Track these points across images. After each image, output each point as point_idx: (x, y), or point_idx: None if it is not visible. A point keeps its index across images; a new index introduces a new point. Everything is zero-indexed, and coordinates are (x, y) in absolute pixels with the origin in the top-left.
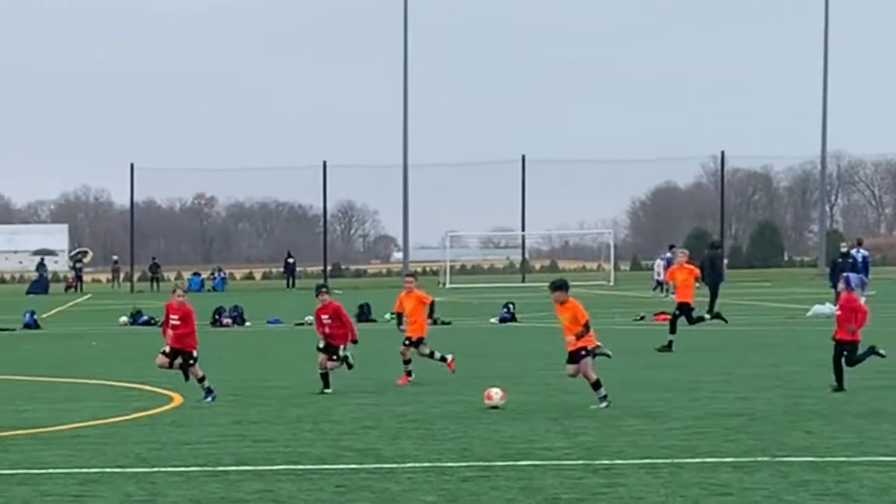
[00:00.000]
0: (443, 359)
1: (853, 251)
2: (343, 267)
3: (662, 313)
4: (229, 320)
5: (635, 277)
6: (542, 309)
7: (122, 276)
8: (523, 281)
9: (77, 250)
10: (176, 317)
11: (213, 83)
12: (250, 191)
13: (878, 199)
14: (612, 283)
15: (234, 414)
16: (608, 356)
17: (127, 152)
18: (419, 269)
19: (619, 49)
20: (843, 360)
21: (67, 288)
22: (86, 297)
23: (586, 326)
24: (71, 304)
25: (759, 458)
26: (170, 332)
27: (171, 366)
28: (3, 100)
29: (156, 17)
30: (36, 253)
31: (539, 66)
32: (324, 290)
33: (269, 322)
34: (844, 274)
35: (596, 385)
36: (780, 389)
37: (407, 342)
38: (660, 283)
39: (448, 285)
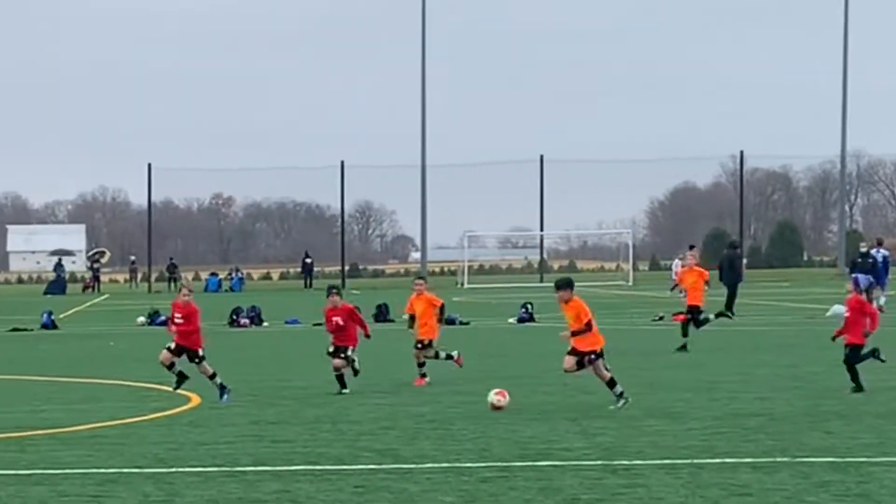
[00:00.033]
0: (448, 357)
1: (873, 251)
2: (361, 267)
3: (681, 313)
4: (247, 320)
5: (654, 277)
6: (560, 309)
7: (139, 276)
8: (541, 281)
9: (94, 250)
10: (180, 315)
11: (231, 83)
12: (268, 191)
13: None
14: (630, 284)
15: (251, 414)
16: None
17: (144, 152)
18: (437, 270)
19: (637, 48)
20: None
21: (85, 288)
22: (103, 297)
23: (587, 325)
24: (88, 304)
25: (779, 459)
26: (174, 328)
27: (171, 367)
28: (21, 100)
29: (173, 16)
30: (53, 253)
31: (558, 66)
32: (334, 291)
33: (286, 322)
34: (853, 275)
35: (611, 383)
36: (799, 390)
37: (419, 345)
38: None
39: (466, 285)
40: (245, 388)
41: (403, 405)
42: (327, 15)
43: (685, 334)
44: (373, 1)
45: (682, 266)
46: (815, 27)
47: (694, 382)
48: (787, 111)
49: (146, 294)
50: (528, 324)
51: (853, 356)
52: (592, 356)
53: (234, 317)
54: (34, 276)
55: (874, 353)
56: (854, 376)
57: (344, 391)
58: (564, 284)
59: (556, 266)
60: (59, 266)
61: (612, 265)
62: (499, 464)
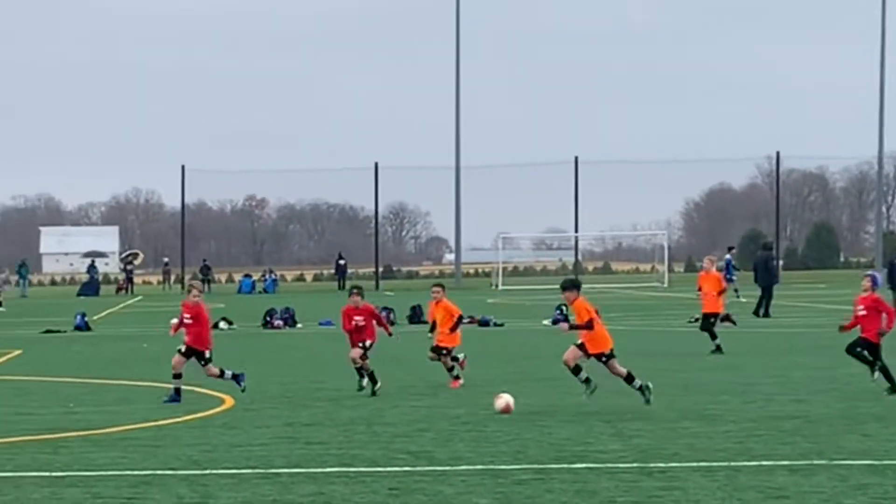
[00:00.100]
0: (454, 359)
1: None
2: (394, 268)
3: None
4: (280, 322)
5: (689, 279)
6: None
7: (172, 277)
8: None
9: (128, 252)
10: (188, 315)
11: (266, 85)
12: (301, 192)
13: None
14: (665, 285)
15: (285, 416)
16: (645, 398)
17: (178, 154)
18: (471, 271)
19: (673, 49)
20: (868, 353)
21: (118, 290)
22: (136, 298)
23: (588, 324)
24: (122, 305)
25: (816, 462)
26: (177, 329)
27: (179, 376)
28: (54, 102)
29: (207, 19)
30: (87, 255)
31: (592, 67)
32: (355, 291)
33: (320, 324)
34: (868, 272)
35: (629, 378)
36: (836, 392)
37: (444, 352)
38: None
39: (500, 287)
40: (279, 390)
41: (438, 407)
42: (361, 15)
43: (713, 336)
44: (407, 1)
45: (731, 266)
46: (852, 28)
47: (730, 384)
48: (824, 112)
49: (179, 296)
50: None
51: (853, 348)
52: (604, 358)
53: (268, 318)
54: (67, 277)
55: (874, 366)
56: (888, 376)
57: (363, 384)
58: (569, 286)
59: (590, 268)
60: (92, 268)
61: (648, 267)
62: (534, 466)
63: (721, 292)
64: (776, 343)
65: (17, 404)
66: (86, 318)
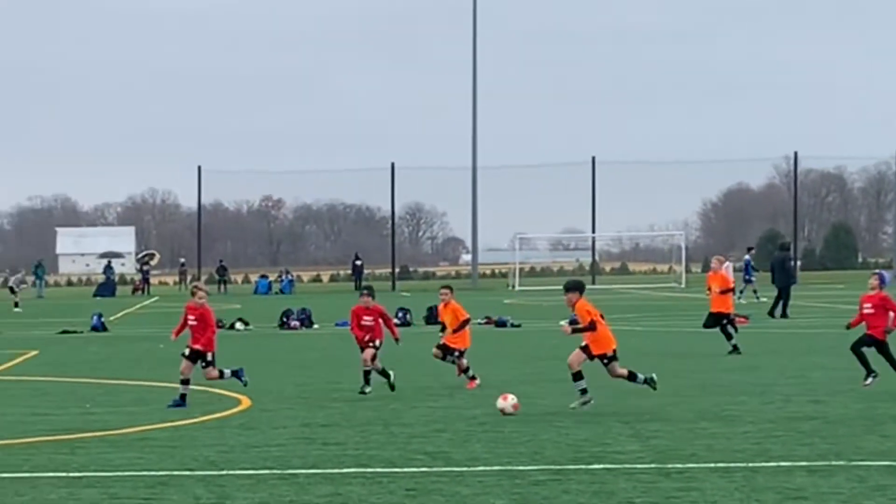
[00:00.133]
0: (453, 362)
1: None
2: (411, 269)
3: (737, 316)
4: (297, 323)
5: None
6: (613, 312)
7: (189, 278)
8: (593, 283)
9: (144, 253)
10: (193, 317)
11: (283, 85)
12: (318, 193)
13: None
14: (683, 286)
15: (302, 417)
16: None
17: (194, 154)
18: (488, 272)
19: (689, 50)
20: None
21: (134, 290)
22: (153, 299)
23: (591, 325)
24: (138, 306)
25: (835, 463)
26: (187, 331)
27: (187, 381)
28: (70, 102)
29: (224, 18)
30: (103, 255)
31: (609, 67)
32: (366, 292)
33: (337, 324)
34: (877, 271)
35: (631, 377)
36: (854, 393)
37: (456, 354)
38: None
39: (517, 288)
40: (295, 391)
41: (455, 408)
42: (379, 15)
43: (729, 336)
44: (425, 2)
45: (750, 266)
46: (869, 27)
47: (748, 385)
48: (842, 112)
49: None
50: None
51: (858, 346)
52: (606, 360)
53: (285, 319)
54: (84, 278)
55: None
56: (889, 361)
57: (367, 391)
58: (571, 287)
59: (607, 268)
60: (108, 268)
61: (665, 267)
62: (552, 467)
63: (726, 291)
64: (794, 344)
65: (34, 405)
66: (102, 319)
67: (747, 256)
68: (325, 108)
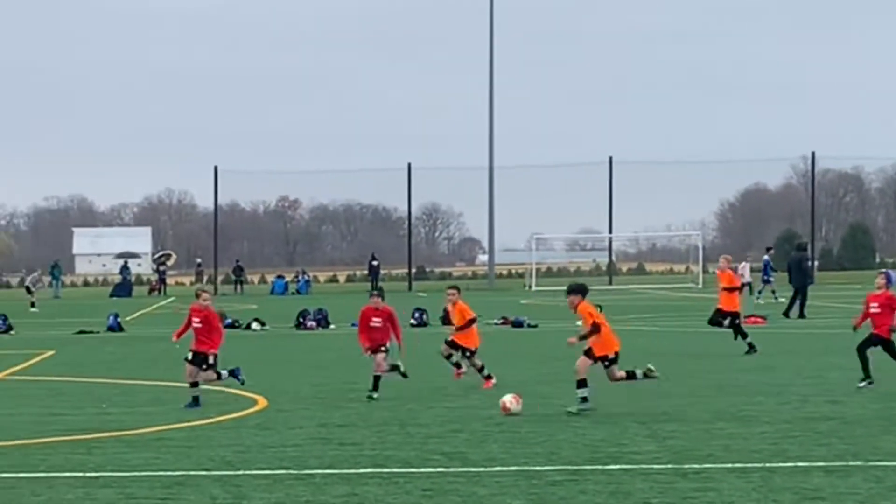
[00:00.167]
0: (457, 365)
1: None
2: (427, 269)
3: (752, 316)
4: (314, 323)
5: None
6: (629, 312)
7: (205, 278)
8: (610, 283)
9: (160, 253)
10: (198, 319)
11: (297, 85)
12: (334, 193)
13: None
14: (700, 286)
15: (319, 417)
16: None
17: (210, 155)
18: (504, 272)
19: (707, 49)
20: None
21: (151, 291)
22: (169, 299)
23: (594, 326)
24: (154, 306)
25: (852, 463)
26: (192, 333)
27: (195, 384)
28: (86, 103)
29: (240, 18)
30: (119, 256)
31: (626, 67)
32: (376, 293)
33: (353, 325)
34: (884, 270)
35: (631, 376)
36: (871, 393)
37: (468, 353)
38: (745, 285)
39: (534, 288)
40: (312, 391)
41: (472, 408)
42: (394, 14)
43: (744, 336)
44: (441, 1)
45: (769, 266)
46: (889, 27)
47: (765, 386)
48: (860, 112)
49: (212, 296)
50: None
51: (863, 346)
52: (607, 362)
53: (301, 319)
54: (100, 278)
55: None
56: (864, 366)
57: (375, 396)
58: (573, 290)
59: (624, 268)
60: (125, 268)
61: (682, 267)
62: (568, 467)
63: (732, 290)
64: (811, 344)
65: (51, 405)
66: (118, 319)
67: (766, 257)
68: (342, 109)
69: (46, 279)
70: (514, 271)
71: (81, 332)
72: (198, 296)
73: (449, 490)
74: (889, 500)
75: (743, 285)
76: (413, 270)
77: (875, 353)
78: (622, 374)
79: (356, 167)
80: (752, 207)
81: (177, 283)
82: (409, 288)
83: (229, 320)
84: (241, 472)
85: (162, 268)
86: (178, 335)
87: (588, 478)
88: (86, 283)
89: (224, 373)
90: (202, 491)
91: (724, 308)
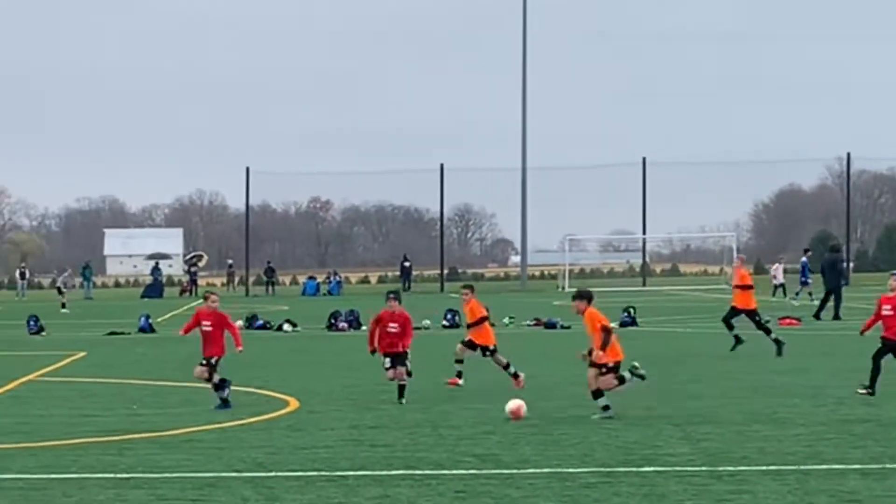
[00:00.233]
0: (459, 374)
1: None
2: (460, 270)
3: (787, 317)
4: (345, 324)
5: (759, 281)
6: (663, 313)
7: (236, 279)
8: (644, 285)
9: (192, 254)
10: (208, 323)
11: (331, 86)
12: (366, 194)
13: None
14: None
15: (350, 418)
16: (643, 378)
17: (242, 156)
18: (537, 273)
19: (741, 50)
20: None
21: (182, 292)
22: (200, 301)
23: (604, 329)
24: (185, 307)
25: (888, 466)
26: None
27: (210, 379)
28: (118, 104)
29: (270, 20)
30: (150, 257)
31: (659, 68)
32: (393, 296)
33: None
34: (895, 272)
35: (620, 381)
36: None
37: (488, 351)
38: (778, 287)
39: (567, 289)
40: (343, 392)
41: (504, 410)
42: (427, 15)
43: (767, 332)
44: (473, 1)
45: (807, 268)
46: None
47: (799, 387)
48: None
49: (244, 297)
50: (630, 328)
51: (880, 353)
52: (604, 369)
53: (333, 321)
54: (131, 279)
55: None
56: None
57: (403, 402)
58: (579, 295)
59: (658, 270)
60: (156, 269)
61: (716, 269)
62: (602, 469)
63: (745, 288)
64: (846, 345)
65: (82, 406)
66: (150, 320)
67: (804, 258)
68: (374, 109)
69: (77, 280)
70: (546, 272)
71: (113, 333)
72: (206, 298)
73: (481, 492)
74: None
75: (776, 286)
76: (445, 272)
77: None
78: (614, 382)
79: (388, 168)
80: (786, 208)
81: (208, 284)
82: (442, 289)
83: (261, 322)
84: (272, 474)
85: (193, 269)
86: (187, 330)
87: (622, 480)
88: (117, 285)
89: (217, 378)
90: (233, 492)
91: (739, 306)
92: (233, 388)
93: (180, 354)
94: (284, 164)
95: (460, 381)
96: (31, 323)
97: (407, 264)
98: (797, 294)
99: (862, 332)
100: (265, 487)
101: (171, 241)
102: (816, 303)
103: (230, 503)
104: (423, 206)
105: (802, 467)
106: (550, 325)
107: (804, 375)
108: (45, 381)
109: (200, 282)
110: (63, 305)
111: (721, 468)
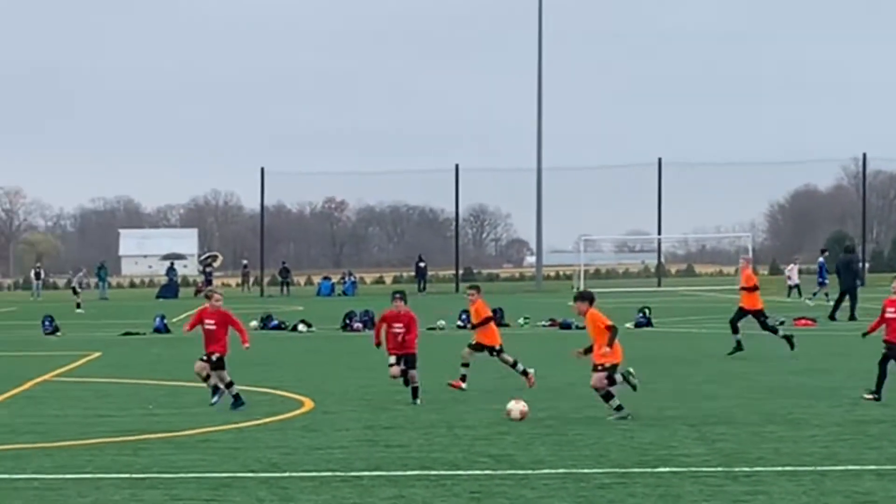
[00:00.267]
0: (463, 377)
1: None
2: (475, 271)
3: (802, 318)
4: (360, 325)
5: (774, 282)
6: (678, 314)
7: (251, 280)
8: (659, 285)
9: (207, 254)
10: (211, 322)
11: (345, 86)
12: (381, 194)
13: None
14: None
15: (365, 419)
16: (634, 388)
17: (256, 156)
18: (552, 274)
19: (755, 50)
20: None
21: (197, 292)
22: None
23: (609, 328)
24: (200, 308)
25: None
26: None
27: (206, 378)
28: (135, 105)
29: (286, 20)
30: (165, 257)
31: (675, 68)
32: (398, 296)
33: None
34: None
35: (606, 397)
36: None
37: (494, 351)
38: (793, 287)
39: (582, 290)
40: (358, 393)
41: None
42: (443, 16)
43: (774, 331)
44: (488, 2)
45: (825, 268)
46: None
47: (815, 388)
48: None
49: (258, 298)
50: (645, 328)
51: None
52: (599, 367)
53: (348, 321)
54: (146, 280)
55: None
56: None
57: (418, 402)
58: (580, 297)
59: (673, 270)
60: (171, 270)
61: (731, 269)
62: (617, 470)
63: (749, 289)
64: (861, 346)
65: (97, 406)
66: (165, 321)
67: (821, 259)
68: (390, 110)
69: (92, 280)
70: (562, 273)
71: (128, 333)
72: (209, 297)
73: (496, 492)
74: None
75: (791, 287)
76: (460, 272)
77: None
78: (605, 384)
79: (403, 168)
80: (802, 209)
81: (223, 285)
82: (457, 289)
83: (276, 322)
84: (287, 474)
85: (208, 269)
86: (191, 327)
87: (637, 481)
88: (132, 285)
89: (212, 381)
90: (248, 493)
91: (746, 307)
92: (248, 388)
93: (196, 355)
94: (299, 165)
95: (463, 385)
96: (47, 323)
97: (422, 265)
98: (814, 294)
99: (865, 335)
100: (280, 488)
101: (186, 242)
102: (832, 304)
103: (245, 503)
104: (439, 207)
105: (818, 468)
106: (565, 326)
107: (820, 376)
108: (60, 381)
109: (215, 282)
110: (78, 305)
111: (737, 469)
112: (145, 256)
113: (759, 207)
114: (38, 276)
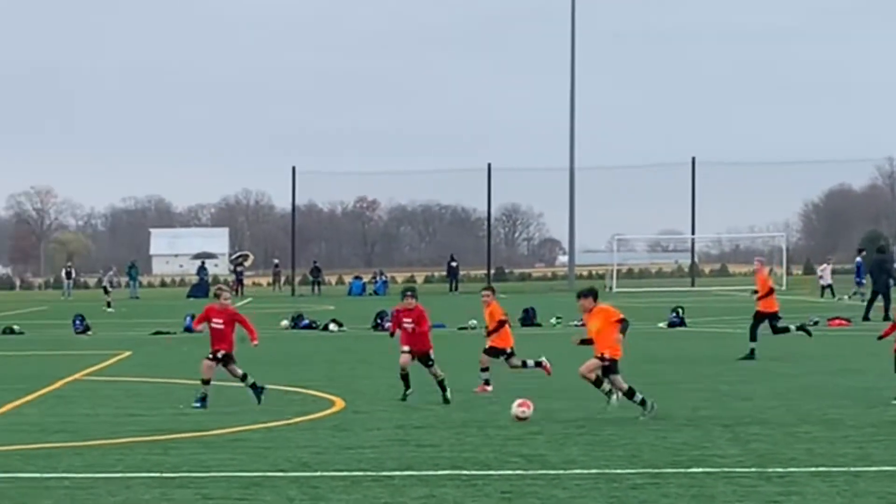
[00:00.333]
0: (486, 382)
1: None
2: (507, 270)
3: (836, 318)
4: (391, 324)
5: (808, 281)
6: (712, 314)
7: (283, 279)
8: (692, 285)
9: (238, 254)
10: (220, 321)
11: (377, 86)
12: (413, 194)
13: None
14: (783, 287)
15: (396, 418)
16: (608, 401)
17: (288, 155)
18: (584, 273)
19: (789, 49)
20: None
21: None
22: (246, 300)
23: (620, 321)
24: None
25: None
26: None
27: (208, 381)
28: (165, 103)
29: (317, 20)
30: (196, 256)
31: (708, 67)
32: (409, 293)
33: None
34: None
35: (597, 383)
36: None
37: (504, 354)
38: (826, 288)
39: (615, 289)
40: (390, 392)
41: (552, 410)
42: (475, 16)
43: (785, 330)
44: (522, 3)
45: (862, 269)
46: None
47: (850, 389)
48: None
49: (290, 297)
50: (679, 328)
51: None
52: (598, 357)
53: (379, 320)
54: (177, 279)
55: None
56: None
57: (407, 394)
58: (584, 293)
59: (707, 270)
60: (202, 269)
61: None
62: (649, 470)
63: (768, 292)
64: None
65: (128, 405)
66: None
67: (858, 258)
68: (421, 109)
69: (123, 279)
70: (594, 272)
71: (158, 332)
72: (217, 296)
73: (528, 493)
74: None
75: (824, 287)
76: (492, 271)
77: None
78: (593, 376)
79: (435, 168)
80: (836, 208)
81: (254, 284)
82: None
83: (307, 321)
84: (318, 474)
85: (239, 268)
86: (198, 322)
87: (670, 481)
88: (163, 284)
89: (250, 379)
90: (279, 492)
91: (763, 310)
92: (279, 387)
93: None
94: (331, 164)
95: (489, 388)
96: (77, 322)
97: (454, 264)
98: (853, 293)
99: (880, 338)
100: (310, 487)
101: (217, 241)
102: (866, 304)
103: (275, 503)
104: (471, 206)
105: (852, 469)
106: None
107: (854, 377)
108: (90, 380)
109: (246, 282)
110: (108, 304)
111: (770, 470)
112: (176, 256)
113: (793, 207)
114: (68, 275)
